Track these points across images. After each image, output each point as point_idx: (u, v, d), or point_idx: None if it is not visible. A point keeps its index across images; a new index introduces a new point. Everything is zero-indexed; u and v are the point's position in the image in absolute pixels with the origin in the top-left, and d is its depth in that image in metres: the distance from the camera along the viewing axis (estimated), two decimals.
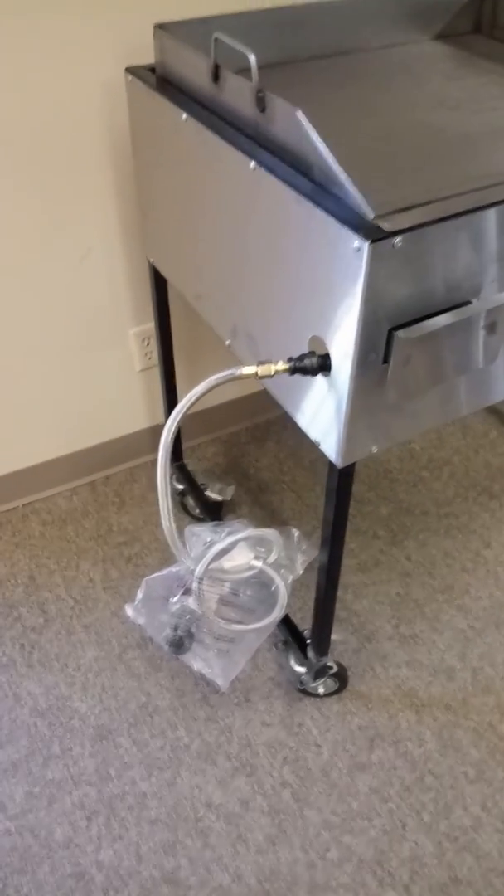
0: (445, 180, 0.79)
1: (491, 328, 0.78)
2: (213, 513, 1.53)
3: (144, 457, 1.67)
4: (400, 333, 0.72)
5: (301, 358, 0.79)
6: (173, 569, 0.99)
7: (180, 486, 1.54)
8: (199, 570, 0.96)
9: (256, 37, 1.06)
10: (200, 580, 0.98)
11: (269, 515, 1.58)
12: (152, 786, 1.18)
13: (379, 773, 1.20)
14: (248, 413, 1.77)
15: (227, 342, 1.01)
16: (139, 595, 1.03)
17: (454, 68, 1.10)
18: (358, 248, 0.67)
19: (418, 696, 1.29)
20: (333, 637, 1.34)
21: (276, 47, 1.08)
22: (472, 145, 0.87)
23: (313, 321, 0.79)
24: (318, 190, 0.73)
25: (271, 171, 0.76)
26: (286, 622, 1.29)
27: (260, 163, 0.78)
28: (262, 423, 1.80)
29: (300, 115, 0.71)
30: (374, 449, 0.85)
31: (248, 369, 0.78)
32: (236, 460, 1.71)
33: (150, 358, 1.50)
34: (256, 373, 0.79)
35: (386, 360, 0.75)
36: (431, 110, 0.96)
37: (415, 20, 1.18)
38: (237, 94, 0.82)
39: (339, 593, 1.44)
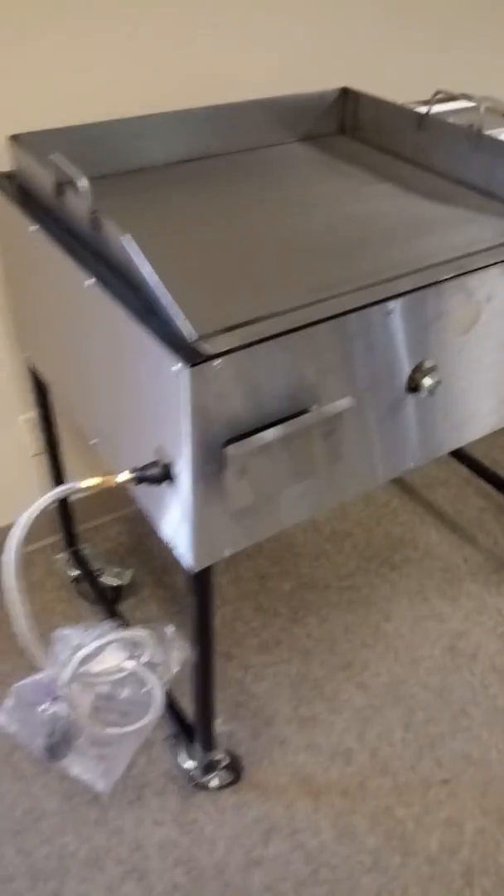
0: (281, 294, 0.81)
1: (329, 434, 0.80)
2: (111, 598, 1.50)
3: (42, 540, 1.64)
4: (230, 449, 0.73)
5: (145, 468, 0.80)
6: (40, 676, 0.96)
7: (75, 573, 1.52)
8: (65, 677, 0.94)
9: (116, 144, 1.08)
10: (69, 686, 0.95)
11: (170, 597, 1.56)
12: None
13: (273, 868, 1.17)
14: None
15: (93, 441, 1.01)
16: (9, 703, 0.99)
17: (315, 170, 1.14)
18: (178, 371, 0.68)
19: (316, 782, 1.27)
20: (222, 728, 1.32)
21: (137, 153, 1.11)
22: (318, 254, 0.90)
23: (155, 432, 0.79)
24: (148, 310, 0.74)
25: (106, 288, 0.77)
26: (175, 715, 1.27)
27: (97, 279, 0.79)
28: None
29: (127, 240, 0.72)
30: (228, 552, 0.85)
31: (88, 482, 0.78)
32: (141, 539, 1.70)
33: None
34: (99, 484, 0.78)
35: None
36: (285, 215, 1.00)
37: (281, 122, 1.23)
38: (76, 212, 0.83)
39: (240, 675, 1.42)
